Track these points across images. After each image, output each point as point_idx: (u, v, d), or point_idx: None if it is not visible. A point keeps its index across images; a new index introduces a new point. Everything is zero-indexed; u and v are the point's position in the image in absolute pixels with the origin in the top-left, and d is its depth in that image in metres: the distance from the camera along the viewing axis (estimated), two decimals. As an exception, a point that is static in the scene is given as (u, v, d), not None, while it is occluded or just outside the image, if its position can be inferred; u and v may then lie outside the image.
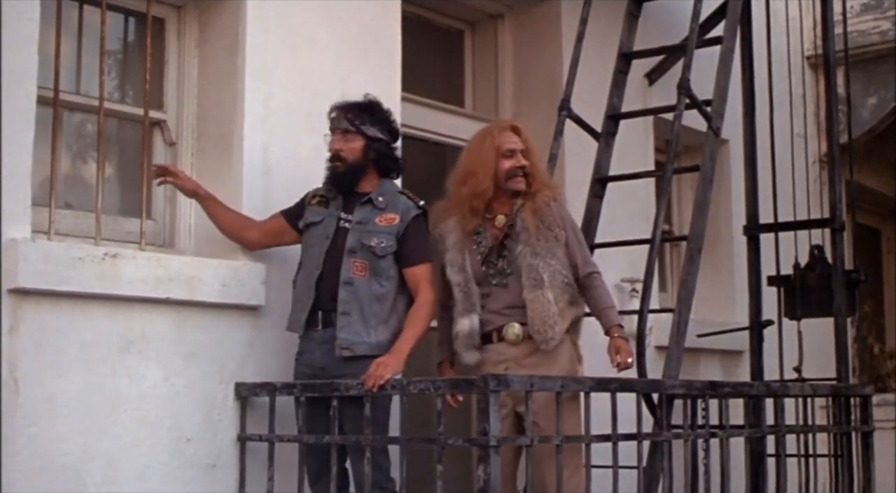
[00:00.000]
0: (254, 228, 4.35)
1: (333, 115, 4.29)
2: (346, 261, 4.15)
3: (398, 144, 4.39)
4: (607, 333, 4.34)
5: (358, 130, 4.23)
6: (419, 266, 4.20)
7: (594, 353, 5.72)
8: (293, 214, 4.33)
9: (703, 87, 5.12)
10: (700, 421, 4.49)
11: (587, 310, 4.48)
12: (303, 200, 4.35)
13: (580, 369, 4.40)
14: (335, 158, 4.26)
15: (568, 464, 3.93)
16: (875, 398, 5.92)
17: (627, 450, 4.07)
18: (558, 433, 3.79)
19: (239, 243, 4.37)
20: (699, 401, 4.49)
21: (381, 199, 4.23)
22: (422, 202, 4.29)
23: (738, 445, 4.85)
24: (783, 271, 6.41)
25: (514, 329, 4.30)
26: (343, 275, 4.13)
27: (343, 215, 4.23)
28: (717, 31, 5.61)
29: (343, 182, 4.26)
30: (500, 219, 4.39)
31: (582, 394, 3.97)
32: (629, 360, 4.26)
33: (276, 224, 4.35)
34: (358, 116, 4.25)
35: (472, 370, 4.27)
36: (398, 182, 4.43)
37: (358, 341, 4.10)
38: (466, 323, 4.31)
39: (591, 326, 5.36)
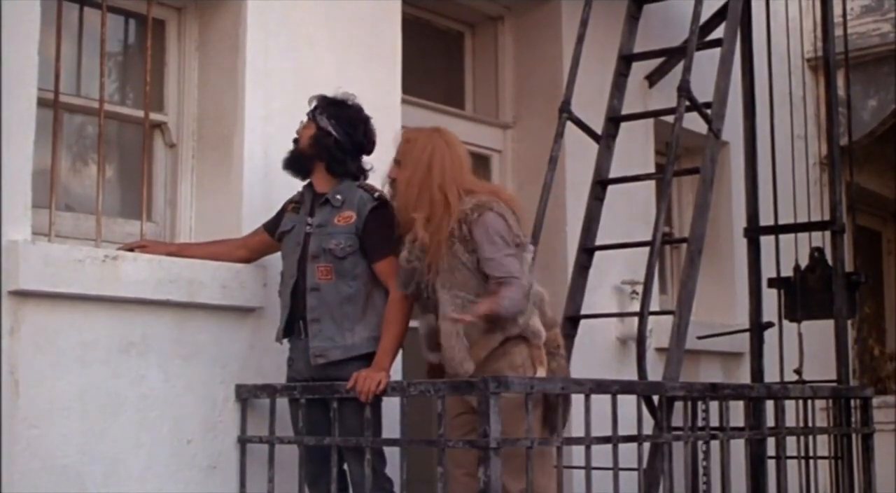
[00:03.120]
0: (241, 246, 4.33)
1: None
2: (311, 267, 4.09)
3: (361, 153, 4.21)
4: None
5: (313, 118, 4.19)
6: (385, 260, 4.09)
7: (592, 354, 5.75)
8: (274, 226, 4.29)
9: (703, 89, 5.12)
10: (700, 423, 4.49)
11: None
12: (283, 208, 4.31)
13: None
14: (294, 141, 4.24)
15: (507, 464, 3.70)
16: (875, 400, 5.93)
17: (628, 452, 4.07)
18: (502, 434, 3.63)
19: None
20: (699, 403, 4.49)
21: (338, 197, 4.14)
22: (377, 194, 4.14)
23: (738, 447, 4.85)
24: (783, 273, 6.41)
25: None
26: (309, 281, 4.09)
27: (309, 220, 4.17)
28: (718, 33, 5.62)
29: (290, 165, 4.22)
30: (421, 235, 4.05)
31: (583, 396, 3.96)
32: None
33: (261, 239, 4.32)
34: (321, 106, 4.19)
35: (435, 371, 4.18)
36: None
37: (331, 347, 4.06)
38: (425, 326, 4.16)
39: (586, 328, 5.39)
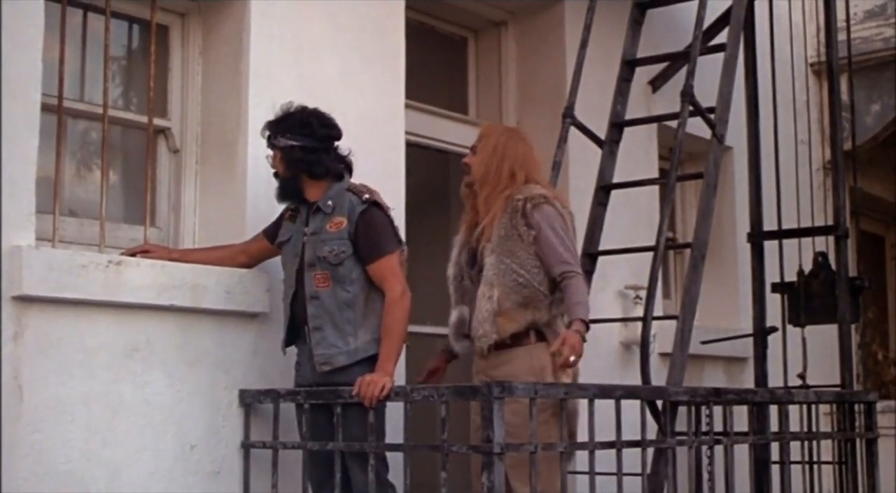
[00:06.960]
0: (241, 252, 4.34)
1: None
2: (308, 275, 4.11)
3: (331, 141, 4.21)
4: (568, 326, 4.16)
5: (272, 146, 4.20)
6: (377, 262, 4.09)
7: (595, 359, 5.74)
8: (273, 233, 4.30)
9: (706, 94, 5.12)
10: (704, 428, 4.49)
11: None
12: (281, 215, 4.32)
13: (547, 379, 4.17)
14: (274, 176, 4.24)
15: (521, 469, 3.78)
16: (879, 405, 5.91)
17: (631, 457, 4.06)
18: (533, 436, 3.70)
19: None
20: (703, 408, 4.49)
21: (329, 204, 4.15)
22: (366, 196, 4.14)
23: (742, 452, 4.84)
24: (787, 278, 6.41)
25: None
26: (307, 290, 4.11)
27: (305, 229, 4.18)
28: (721, 37, 5.62)
29: (284, 196, 4.23)
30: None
31: (586, 402, 3.96)
32: (570, 356, 3.96)
33: (261, 246, 4.33)
34: (273, 131, 4.19)
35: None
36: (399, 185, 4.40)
37: (335, 353, 4.07)
38: (456, 314, 4.34)
39: (590, 333, 5.37)
